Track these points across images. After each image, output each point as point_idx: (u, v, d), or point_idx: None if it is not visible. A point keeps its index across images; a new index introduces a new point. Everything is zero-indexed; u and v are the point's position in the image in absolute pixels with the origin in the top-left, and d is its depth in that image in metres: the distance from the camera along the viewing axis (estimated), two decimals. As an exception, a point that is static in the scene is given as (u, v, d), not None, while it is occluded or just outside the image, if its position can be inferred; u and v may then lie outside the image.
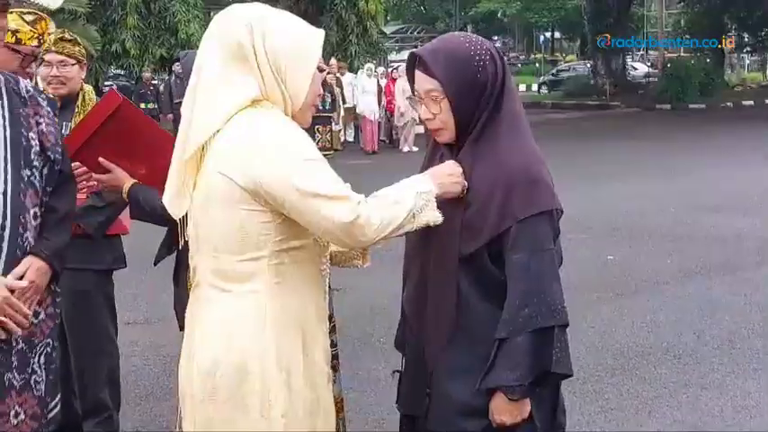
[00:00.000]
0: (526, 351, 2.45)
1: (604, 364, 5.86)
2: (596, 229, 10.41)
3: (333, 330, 3.09)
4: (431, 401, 2.62)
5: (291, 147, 2.29)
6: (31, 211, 2.90)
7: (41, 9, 3.38)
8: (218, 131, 2.32)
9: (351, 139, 22.55)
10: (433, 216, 2.41)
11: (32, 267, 2.87)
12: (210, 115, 2.33)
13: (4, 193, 2.81)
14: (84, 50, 4.31)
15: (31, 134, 2.92)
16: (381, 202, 2.34)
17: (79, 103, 4.23)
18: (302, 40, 2.40)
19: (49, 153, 2.97)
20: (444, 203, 2.48)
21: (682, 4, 46.11)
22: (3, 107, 2.88)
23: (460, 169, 2.52)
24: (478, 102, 2.53)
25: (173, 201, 2.47)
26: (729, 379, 5.57)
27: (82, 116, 4.18)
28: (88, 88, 4.34)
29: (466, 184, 2.51)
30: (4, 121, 2.86)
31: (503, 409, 2.50)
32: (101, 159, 3.31)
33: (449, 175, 2.50)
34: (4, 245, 2.81)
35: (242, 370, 2.32)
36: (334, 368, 3.04)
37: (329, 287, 2.71)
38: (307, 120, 2.47)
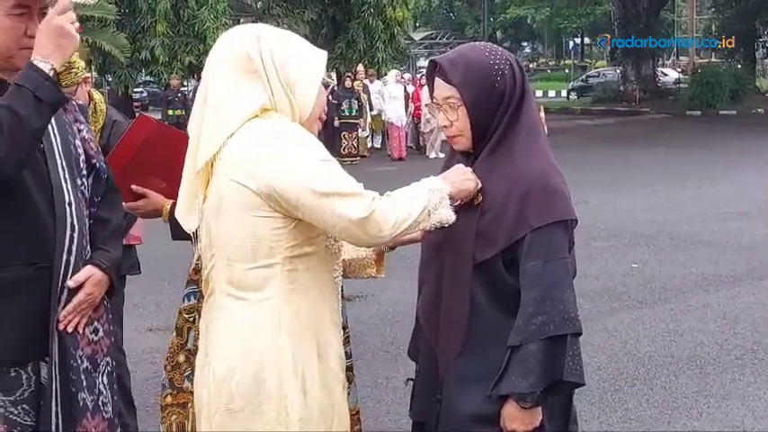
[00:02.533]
0: (538, 359, 2.45)
1: (625, 373, 5.84)
2: (621, 236, 10.37)
3: (347, 341, 3.09)
4: (441, 408, 2.63)
5: (302, 149, 2.31)
6: (87, 223, 2.80)
7: (77, 6, 3.27)
8: (228, 139, 2.34)
9: (378, 145, 22.58)
10: (448, 214, 2.44)
11: (93, 279, 2.75)
12: (220, 124, 2.36)
13: (70, 204, 2.68)
14: (83, 59, 4.28)
15: (77, 142, 2.81)
16: (396, 199, 2.38)
17: (90, 112, 4.23)
18: (308, 55, 2.45)
19: (94, 161, 2.87)
20: (459, 211, 2.49)
21: (712, 9, 45.85)
22: None
23: (470, 170, 2.55)
24: (496, 111, 2.55)
25: (185, 215, 2.49)
26: (752, 389, 5.53)
27: (94, 126, 4.20)
28: (98, 97, 4.35)
29: (479, 182, 2.53)
30: (53, 130, 2.71)
31: (514, 417, 2.50)
32: (133, 187, 3.26)
33: (460, 174, 2.53)
34: (72, 258, 2.68)
35: (258, 378, 2.34)
36: (349, 380, 3.04)
37: (342, 296, 2.72)
38: (313, 132, 2.48)
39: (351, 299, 7.43)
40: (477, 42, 2.82)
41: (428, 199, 2.40)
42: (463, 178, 2.51)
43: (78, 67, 3.93)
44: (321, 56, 2.48)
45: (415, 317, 2.84)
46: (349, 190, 2.30)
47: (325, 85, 2.50)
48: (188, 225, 2.51)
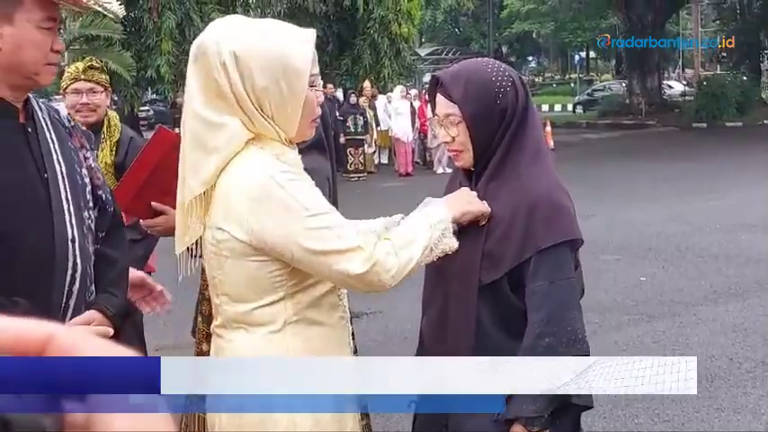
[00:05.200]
0: (546, 381, 2.44)
1: (635, 388, 5.79)
2: (629, 249, 10.33)
3: (352, 337, 3.09)
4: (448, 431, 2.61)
5: (292, 203, 2.22)
6: (92, 261, 2.55)
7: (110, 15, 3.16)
8: (219, 176, 2.27)
9: (385, 161, 22.57)
10: (450, 243, 2.41)
11: (93, 324, 2.50)
12: (204, 168, 2.28)
13: (73, 241, 2.43)
14: (108, 77, 4.34)
15: (83, 171, 2.58)
16: (396, 244, 2.32)
17: (104, 129, 4.25)
18: (286, 67, 2.26)
19: (99, 192, 2.63)
20: (464, 233, 2.47)
21: (717, 21, 45.90)
22: (53, 140, 2.49)
23: (474, 194, 2.53)
24: (497, 128, 2.52)
25: (179, 238, 2.45)
26: (763, 402, 5.50)
27: (108, 143, 4.22)
28: (112, 114, 4.39)
29: (486, 206, 2.51)
30: (57, 156, 2.48)
31: (522, 440, 2.48)
32: (153, 204, 3.20)
33: (463, 198, 2.52)
34: (72, 302, 2.45)
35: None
36: None
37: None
38: (308, 134, 2.43)
39: (359, 315, 7.42)
40: (481, 58, 2.81)
41: (429, 237, 2.37)
42: (467, 201, 2.50)
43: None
44: (305, 48, 2.29)
45: (419, 338, 2.83)
46: (346, 245, 2.23)
47: (311, 85, 2.34)
48: (177, 247, 2.47)
